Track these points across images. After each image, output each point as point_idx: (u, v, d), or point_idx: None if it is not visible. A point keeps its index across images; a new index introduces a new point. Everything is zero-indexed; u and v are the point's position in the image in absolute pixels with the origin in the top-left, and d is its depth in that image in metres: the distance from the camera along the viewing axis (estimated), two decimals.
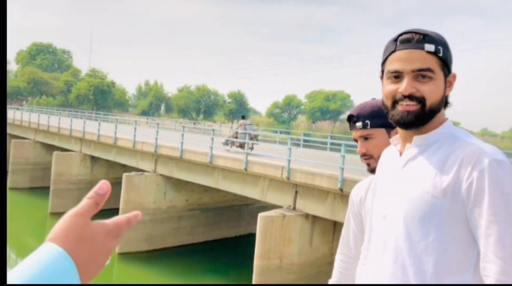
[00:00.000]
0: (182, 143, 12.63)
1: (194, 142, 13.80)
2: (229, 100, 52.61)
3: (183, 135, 12.81)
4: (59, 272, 0.46)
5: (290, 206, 9.66)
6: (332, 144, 20.88)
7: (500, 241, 0.95)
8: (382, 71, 1.17)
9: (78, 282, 0.48)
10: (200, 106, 52.33)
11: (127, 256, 11.75)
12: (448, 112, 1.20)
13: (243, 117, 14.31)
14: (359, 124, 1.52)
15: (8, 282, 0.44)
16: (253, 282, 8.72)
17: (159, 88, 55.68)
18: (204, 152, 11.99)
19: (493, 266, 0.95)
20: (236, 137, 12.98)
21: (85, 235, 0.51)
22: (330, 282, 1.74)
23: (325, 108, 50.75)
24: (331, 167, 9.61)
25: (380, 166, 1.29)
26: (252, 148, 12.02)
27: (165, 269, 11.14)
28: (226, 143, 13.20)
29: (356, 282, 1.46)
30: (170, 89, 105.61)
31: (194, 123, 40.75)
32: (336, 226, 9.67)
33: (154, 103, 54.34)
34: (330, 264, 8.19)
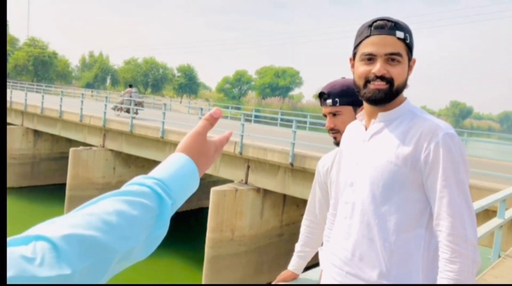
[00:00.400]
0: (132, 117, 12.37)
1: (144, 117, 13.56)
2: (178, 74, 51.44)
3: (133, 109, 12.54)
4: (189, 172, 0.65)
5: (242, 180, 9.86)
6: (282, 119, 21.27)
7: (451, 202, 1.12)
8: (354, 54, 1.27)
9: (198, 180, 0.67)
10: (148, 80, 50.86)
11: None
12: None
13: (130, 86, 16.17)
14: (329, 101, 1.63)
15: (151, 174, 0.62)
16: (205, 254, 8.91)
17: (104, 60, 53.31)
18: (156, 127, 11.84)
19: (445, 222, 1.13)
20: (123, 104, 14.81)
21: (203, 149, 0.68)
22: (297, 245, 1.89)
23: (275, 84, 51.04)
24: (282, 142, 9.87)
25: (345, 139, 1.41)
26: (137, 113, 13.60)
27: None
28: (115, 108, 14.91)
29: (324, 244, 1.58)
30: (116, 61, 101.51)
31: (142, 97, 39.64)
32: (286, 200, 10.02)
33: (99, 76, 52.08)
34: (280, 236, 8.61)
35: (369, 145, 1.26)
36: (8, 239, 0.46)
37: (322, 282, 1.38)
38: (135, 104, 13.90)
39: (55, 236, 0.46)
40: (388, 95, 1.21)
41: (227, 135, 0.74)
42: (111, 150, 13.09)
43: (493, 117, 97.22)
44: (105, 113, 13.06)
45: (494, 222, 4.37)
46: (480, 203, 3.79)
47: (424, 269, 1.17)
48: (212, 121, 0.69)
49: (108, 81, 53.97)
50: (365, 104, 1.29)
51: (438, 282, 1.12)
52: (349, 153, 1.34)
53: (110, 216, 0.52)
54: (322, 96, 1.67)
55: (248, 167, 9.89)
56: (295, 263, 1.85)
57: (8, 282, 0.40)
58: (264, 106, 44.45)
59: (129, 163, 13.39)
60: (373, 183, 1.21)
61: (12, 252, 0.43)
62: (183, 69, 50.88)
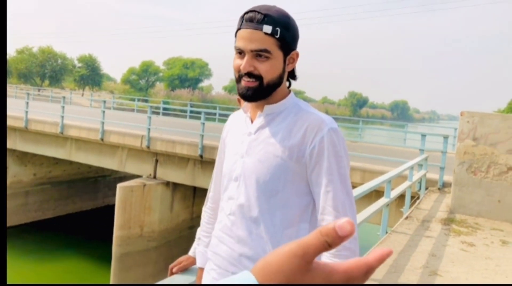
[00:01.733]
0: (26, 112, 11.43)
1: (41, 111, 12.59)
2: (79, 65, 48.25)
3: (27, 103, 11.58)
4: None
5: (150, 175, 9.67)
6: (191, 112, 21.12)
7: (335, 197, 1.14)
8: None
9: None
10: (45, 71, 47.01)
11: None
12: (293, 83, 1.31)
13: None
14: None
15: None
16: (113, 253, 8.62)
17: None
18: (54, 122, 11.08)
19: (330, 217, 1.14)
20: None
21: (294, 280, 0.38)
22: (198, 230, 1.89)
23: (184, 75, 50.18)
24: (191, 134, 9.85)
25: (229, 129, 1.35)
26: None
27: (12, 250, 10.21)
28: None
29: (202, 239, 1.48)
30: (7, 50, 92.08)
31: (39, 90, 36.66)
32: (196, 192, 10.04)
33: None
34: (191, 228, 8.67)
35: (255, 138, 1.22)
36: None
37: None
38: None
39: None
40: (258, 92, 1.17)
41: (373, 261, 0.38)
42: None
43: (386, 106, 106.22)
44: None
45: (382, 201, 4.84)
46: (368, 185, 4.14)
47: None
48: (333, 241, 0.37)
49: None
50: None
51: None
52: (233, 146, 1.29)
53: None
54: None
55: (157, 161, 9.72)
56: (194, 249, 1.88)
57: None
58: (174, 98, 43.55)
59: (25, 161, 12.37)
60: (259, 177, 1.18)
61: None
62: (85, 60, 47.77)
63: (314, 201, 1.19)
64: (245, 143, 1.23)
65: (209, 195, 1.46)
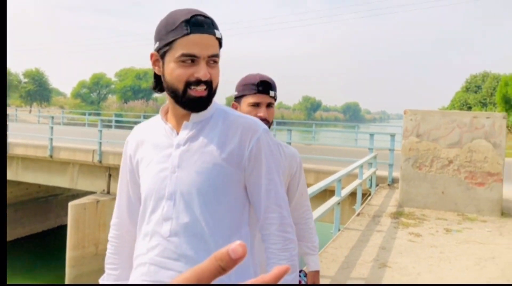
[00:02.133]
0: None
1: None
2: (26, 80, 46.29)
3: None
4: None
5: (104, 190, 9.42)
6: None
7: (277, 194, 1.16)
8: (165, 51, 1.10)
9: None
10: None
11: None
12: None
13: None
14: (272, 92, 1.62)
15: None
16: (67, 275, 8.30)
17: None
18: None
19: (275, 214, 1.15)
20: None
21: None
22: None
23: (137, 87, 49.24)
24: None
25: (138, 146, 1.22)
26: None
27: None
28: None
29: (108, 274, 1.32)
30: None
31: None
32: None
33: None
34: None
35: (186, 150, 1.13)
36: None
37: None
38: None
39: None
40: (208, 100, 1.13)
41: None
42: None
43: (338, 109, 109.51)
44: None
45: (333, 200, 4.98)
46: (319, 185, 4.23)
47: (252, 263, 1.18)
48: (226, 264, 0.37)
49: None
50: (175, 107, 1.15)
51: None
52: (156, 161, 1.16)
53: None
54: (265, 84, 1.61)
55: (110, 175, 9.49)
56: None
57: None
58: (127, 110, 42.63)
59: None
60: (200, 189, 1.11)
61: None
62: (31, 75, 45.90)
63: (249, 203, 1.18)
64: (174, 157, 1.13)
65: (113, 221, 1.31)
